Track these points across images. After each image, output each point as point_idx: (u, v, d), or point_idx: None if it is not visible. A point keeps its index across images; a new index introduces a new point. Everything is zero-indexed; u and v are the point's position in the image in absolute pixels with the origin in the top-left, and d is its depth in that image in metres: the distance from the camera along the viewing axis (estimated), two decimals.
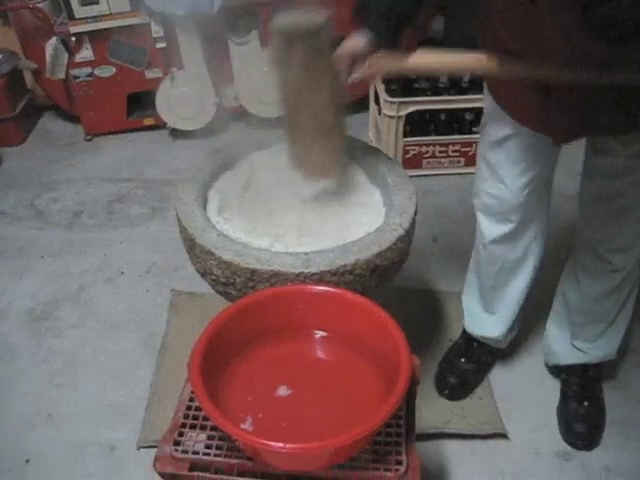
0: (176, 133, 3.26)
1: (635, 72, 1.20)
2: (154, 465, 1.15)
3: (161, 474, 1.15)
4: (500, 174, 1.59)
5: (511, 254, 1.72)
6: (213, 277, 1.39)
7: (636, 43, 1.14)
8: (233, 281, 1.35)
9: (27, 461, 1.75)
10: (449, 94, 2.78)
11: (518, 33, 1.26)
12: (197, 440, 1.17)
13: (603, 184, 1.51)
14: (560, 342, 1.86)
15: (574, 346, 1.82)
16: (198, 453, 1.15)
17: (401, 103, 2.72)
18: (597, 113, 1.33)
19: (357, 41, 1.35)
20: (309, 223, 1.50)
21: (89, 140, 3.29)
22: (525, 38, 1.25)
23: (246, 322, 1.25)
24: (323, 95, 1.44)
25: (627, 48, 1.15)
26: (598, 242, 1.61)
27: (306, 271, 1.30)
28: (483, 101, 1.61)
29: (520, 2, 1.19)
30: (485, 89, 1.58)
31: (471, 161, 2.82)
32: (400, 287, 2.17)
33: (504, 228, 1.66)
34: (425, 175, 2.88)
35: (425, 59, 1.39)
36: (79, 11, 2.89)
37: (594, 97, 1.29)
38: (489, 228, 1.70)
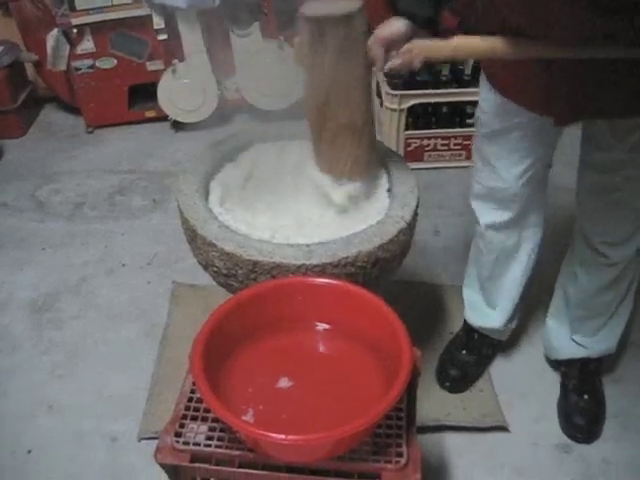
0: (178, 125, 3.25)
1: None
2: (155, 456, 1.15)
3: (162, 465, 1.15)
4: (494, 165, 1.59)
5: (507, 241, 1.72)
6: (215, 269, 1.39)
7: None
8: (235, 273, 1.35)
9: (29, 452, 1.76)
10: (451, 87, 2.78)
11: (522, 8, 1.25)
12: (198, 431, 1.18)
13: (598, 178, 1.51)
14: (560, 337, 1.87)
15: (574, 340, 1.83)
16: (199, 444, 1.15)
17: (403, 96, 2.72)
18: (601, 90, 1.31)
19: (394, 26, 1.29)
20: (310, 215, 1.50)
21: (90, 132, 3.29)
22: (529, 13, 1.24)
23: (248, 314, 1.25)
24: (357, 90, 1.38)
25: (632, 18, 1.15)
26: (594, 236, 1.61)
27: (308, 263, 1.30)
28: (479, 97, 1.60)
29: None
30: (482, 79, 1.56)
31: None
32: (401, 280, 2.17)
33: (502, 215, 1.66)
34: (427, 168, 2.88)
35: (465, 43, 1.31)
36: (80, 2, 2.88)
37: (597, 73, 1.28)
38: (484, 214, 1.70)
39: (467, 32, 1.32)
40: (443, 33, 1.31)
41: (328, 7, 1.30)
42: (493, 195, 1.65)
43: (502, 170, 1.58)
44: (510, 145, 1.54)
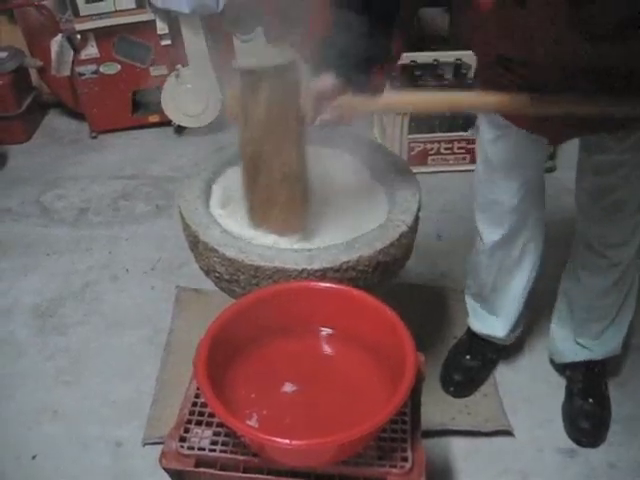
0: (181, 130, 3.26)
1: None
2: (160, 461, 1.15)
3: (167, 470, 1.15)
4: (495, 177, 1.60)
5: (509, 255, 1.73)
6: (217, 274, 1.39)
7: (619, 44, 1.15)
8: (237, 278, 1.35)
9: (34, 457, 1.76)
10: (454, 90, 2.77)
11: (507, 36, 1.26)
12: (203, 436, 1.18)
13: (596, 180, 1.52)
14: (564, 340, 1.86)
15: (578, 343, 1.82)
16: (204, 449, 1.15)
17: None
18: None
19: (324, 82, 1.31)
20: (312, 219, 1.50)
21: (94, 137, 3.30)
22: (515, 41, 1.25)
23: (251, 319, 1.25)
24: (290, 140, 1.38)
25: (612, 49, 1.16)
26: (595, 238, 1.62)
27: (309, 267, 1.30)
28: None
29: (509, 6, 1.19)
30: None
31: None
32: (404, 284, 2.18)
33: (500, 231, 1.67)
34: (430, 172, 2.88)
35: (395, 99, 1.36)
36: (84, 8, 2.89)
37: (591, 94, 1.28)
38: (487, 233, 1.71)
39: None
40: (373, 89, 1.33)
41: (262, 59, 1.32)
42: (493, 209, 1.66)
43: (502, 182, 1.59)
44: (509, 154, 1.55)
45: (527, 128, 1.47)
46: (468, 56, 2.86)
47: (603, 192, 1.52)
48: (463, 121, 2.85)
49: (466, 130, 2.84)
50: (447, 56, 2.92)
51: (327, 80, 1.30)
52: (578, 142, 1.54)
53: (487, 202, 1.66)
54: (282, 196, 1.42)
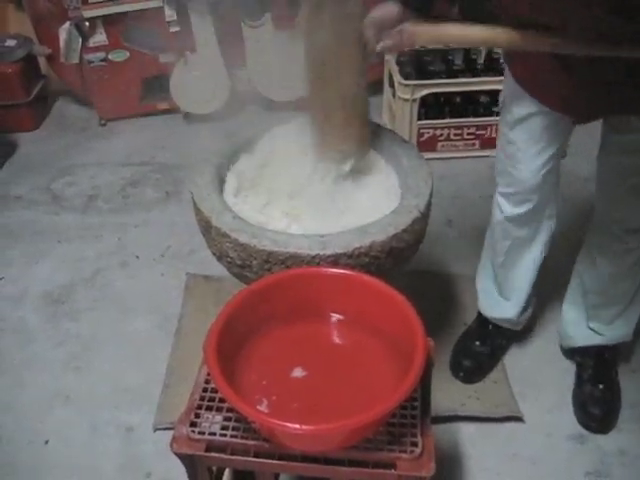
0: (190, 117, 3.25)
1: None
2: (171, 446, 1.15)
3: (178, 455, 1.16)
4: (519, 155, 1.58)
5: (523, 231, 1.72)
6: (229, 260, 1.40)
7: None
8: (249, 263, 1.35)
9: (46, 442, 1.78)
10: (464, 76, 2.76)
11: (539, 7, 1.23)
12: (213, 421, 1.18)
13: (620, 160, 1.50)
14: (576, 324, 1.86)
15: (590, 328, 1.82)
16: (214, 434, 1.16)
17: (415, 86, 2.71)
18: (620, 92, 1.31)
19: (387, 8, 1.34)
20: (325, 205, 1.50)
21: (103, 125, 3.30)
22: (545, 12, 1.23)
23: (262, 305, 1.25)
24: (350, 63, 1.43)
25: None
26: (614, 222, 1.61)
27: (322, 253, 1.30)
28: (503, 82, 1.61)
29: None
30: (506, 70, 1.57)
31: (486, 144, 2.81)
32: (415, 270, 2.16)
33: (523, 208, 1.66)
34: (440, 158, 2.86)
35: (456, 30, 1.34)
36: None
37: (617, 77, 1.27)
38: (507, 207, 1.70)
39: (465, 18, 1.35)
40: (436, 17, 1.35)
41: None
42: (516, 186, 1.64)
43: (525, 162, 1.58)
44: (534, 133, 1.53)
45: (554, 107, 1.45)
46: None
47: (626, 173, 1.50)
48: (473, 107, 2.83)
49: (476, 116, 2.82)
50: None
51: (389, 7, 1.33)
52: (602, 121, 1.52)
53: (510, 179, 1.64)
54: (339, 117, 1.49)
